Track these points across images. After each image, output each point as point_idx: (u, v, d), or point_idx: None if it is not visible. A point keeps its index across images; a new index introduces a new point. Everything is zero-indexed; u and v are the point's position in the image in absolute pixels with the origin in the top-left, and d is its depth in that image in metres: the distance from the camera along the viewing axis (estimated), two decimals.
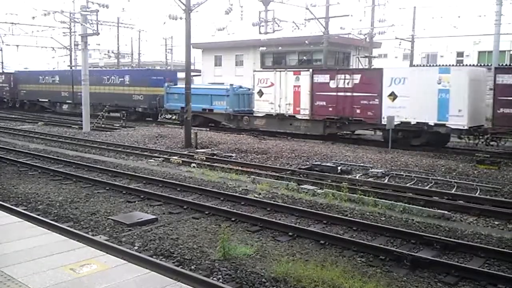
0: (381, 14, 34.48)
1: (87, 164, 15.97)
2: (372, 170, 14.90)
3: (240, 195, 11.79)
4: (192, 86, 22.61)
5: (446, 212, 10.35)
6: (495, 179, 13.83)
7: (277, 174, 14.49)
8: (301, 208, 10.63)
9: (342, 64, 29.39)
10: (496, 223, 9.95)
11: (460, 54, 44.80)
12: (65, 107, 38.47)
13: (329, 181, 13.49)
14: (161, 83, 30.91)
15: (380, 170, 14.78)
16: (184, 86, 22.00)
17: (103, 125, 29.66)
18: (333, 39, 33.31)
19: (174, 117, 30.89)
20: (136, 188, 12.48)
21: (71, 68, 48.36)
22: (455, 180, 13.52)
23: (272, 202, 11.15)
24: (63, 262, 5.22)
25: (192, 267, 7.29)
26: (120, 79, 34.00)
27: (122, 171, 14.80)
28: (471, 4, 67.80)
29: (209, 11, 53.07)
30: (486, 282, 6.93)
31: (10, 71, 52.87)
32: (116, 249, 7.48)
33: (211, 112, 27.80)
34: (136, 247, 8.12)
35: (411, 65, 35.11)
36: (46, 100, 40.33)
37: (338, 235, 8.84)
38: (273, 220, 9.73)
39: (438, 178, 13.91)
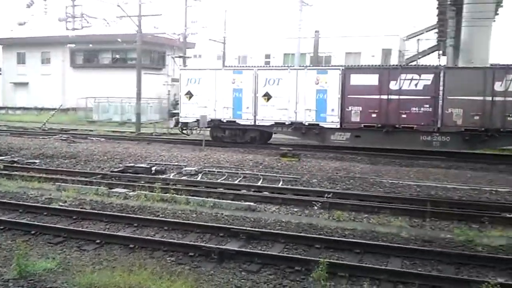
0: (194, 15, 35.11)
1: None
2: (186, 168, 15.10)
3: (43, 205, 10.79)
4: None
5: (252, 203, 11.01)
6: (295, 170, 15.24)
7: (86, 179, 13.67)
8: (110, 213, 10.18)
9: (157, 63, 29.27)
10: (295, 210, 10.91)
11: (267, 56, 48.27)
12: None
13: (142, 182, 13.23)
14: None
15: (194, 168, 15.05)
16: None
17: None
18: (147, 38, 32.88)
19: None
20: None
21: None
22: (261, 173, 14.50)
23: (78, 209, 10.43)
24: None
25: None
26: None
27: None
28: (276, 9, 73.94)
29: (8, 3, 47.48)
30: (285, 266, 7.49)
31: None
32: None
33: None
34: None
35: (224, 66, 36.43)
36: None
37: (148, 237, 8.69)
38: (79, 229, 9.12)
39: (247, 172, 14.75)
